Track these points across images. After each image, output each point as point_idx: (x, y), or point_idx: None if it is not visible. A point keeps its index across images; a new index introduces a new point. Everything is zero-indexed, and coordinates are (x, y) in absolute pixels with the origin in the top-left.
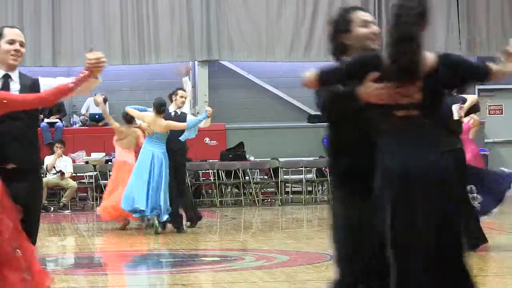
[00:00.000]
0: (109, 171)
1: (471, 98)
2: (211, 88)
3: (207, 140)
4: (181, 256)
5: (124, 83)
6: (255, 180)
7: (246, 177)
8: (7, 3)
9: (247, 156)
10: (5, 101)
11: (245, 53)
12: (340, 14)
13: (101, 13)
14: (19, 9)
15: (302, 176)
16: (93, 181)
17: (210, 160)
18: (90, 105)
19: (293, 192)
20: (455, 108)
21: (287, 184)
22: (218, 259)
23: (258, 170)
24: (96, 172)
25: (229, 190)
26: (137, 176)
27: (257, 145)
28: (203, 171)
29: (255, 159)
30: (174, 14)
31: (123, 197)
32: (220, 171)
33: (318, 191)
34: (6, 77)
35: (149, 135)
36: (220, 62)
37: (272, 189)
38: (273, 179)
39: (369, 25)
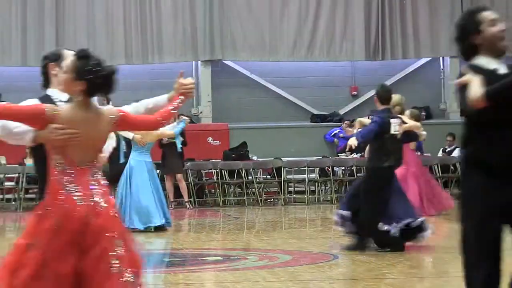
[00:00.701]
0: None
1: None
2: (214, 87)
3: (210, 139)
4: (184, 255)
5: (126, 83)
6: (258, 180)
7: (249, 177)
8: (11, 3)
9: (250, 156)
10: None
11: (248, 52)
12: (467, 16)
13: (104, 13)
14: (23, 8)
15: (305, 176)
16: None
17: (213, 160)
18: None
19: (296, 192)
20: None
21: (290, 184)
22: (221, 258)
23: (261, 169)
24: None
25: (232, 189)
26: (142, 189)
27: (260, 145)
28: (206, 171)
29: (258, 159)
30: (177, 14)
31: (134, 213)
32: (223, 170)
33: (321, 190)
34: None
35: (139, 146)
36: (223, 61)
37: (275, 189)
38: (276, 178)
39: (497, 23)
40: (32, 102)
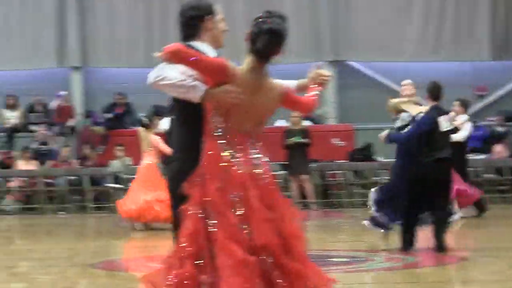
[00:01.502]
0: None
1: None
2: (339, 88)
3: (335, 140)
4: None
5: None
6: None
7: (374, 178)
8: (137, 5)
9: (375, 157)
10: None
11: (373, 53)
12: None
13: (226, 15)
14: (147, 9)
15: None
16: None
17: (338, 161)
18: None
19: None
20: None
21: None
22: (348, 259)
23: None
24: None
25: (357, 190)
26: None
27: (386, 146)
28: (330, 172)
29: (383, 160)
30: (301, 15)
31: None
32: (348, 171)
33: None
34: None
35: None
36: (348, 62)
37: None
38: None
39: None
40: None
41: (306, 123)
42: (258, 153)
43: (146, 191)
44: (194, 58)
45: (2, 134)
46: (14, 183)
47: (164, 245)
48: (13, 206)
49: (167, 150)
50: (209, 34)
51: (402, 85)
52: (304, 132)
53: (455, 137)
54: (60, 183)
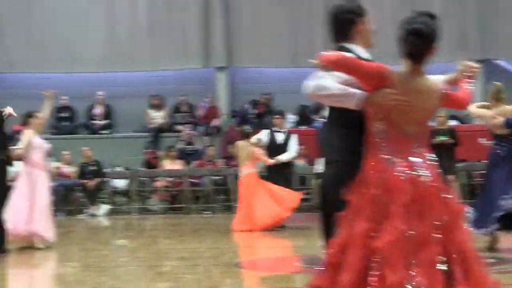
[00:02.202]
0: None
1: None
2: (486, 87)
3: (482, 140)
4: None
5: None
6: None
7: None
8: (282, 7)
9: None
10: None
11: None
12: None
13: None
14: (291, 10)
15: None
16: None
17: (485, 161)
18: None
19: None
20: None
21: None
22: (494, 260)
23: None
24: None
25: None
26: None
27: None
28: (477, 172)
29: None
30: (447, 13)
31: None
32: None
33: None
34: None
35: None
36: (494, 61)
37: None
38: None
39: None
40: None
41: (453, 123)
42: (421, 157)
43: (255, 202)
44: (353, 65)
45: (147, 134)
46: (160, 183)
47: (308, 245)
48: (158, 206)
49: (268, 160)
50: (360, 36)
51: None
52: (451, 132)
53: None
54: (205, 182)
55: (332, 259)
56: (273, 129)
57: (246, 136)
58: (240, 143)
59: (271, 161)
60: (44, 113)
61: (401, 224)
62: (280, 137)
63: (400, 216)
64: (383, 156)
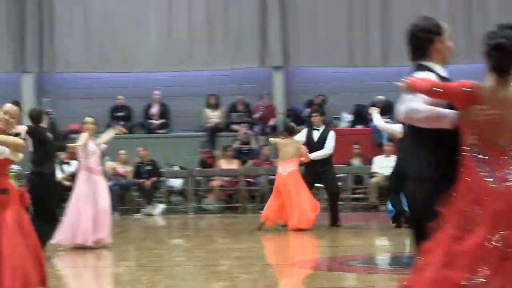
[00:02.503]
0: None
1: None
2: None
3: None
4: None
5: None
6: None
7: None
8: (341, 3)
9: None
10: None
11: None
12: None
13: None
14: (349, 9)
15: None
16: None
17: None
18: None
19: None
20: None
21: None
22: None
23: None
24: None
25: None
26: None
27: None
28: None
29: None
30: (504, 20)
31: None
32: None
33: None
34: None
35: None
36: None
37: None
38: None
39: None
40: (426, 75)
41: None
42: None
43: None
44: (445, 92)
45: (204, 133)
46: (215, 182)
47: (365, 245)
48: (214, 205)
49: (310, 156)
50: (438, 54)
51: None
52: None
53: None
54: (261, 182)
55: (421, 262)
56: (313, 127)
57: (291, 133)
58: (283, 141)
59: (305, 159)
60: (103, 139)
61: (487, 232)
62: (316, 135)
63: (487, 224)
64: (476, 169)
